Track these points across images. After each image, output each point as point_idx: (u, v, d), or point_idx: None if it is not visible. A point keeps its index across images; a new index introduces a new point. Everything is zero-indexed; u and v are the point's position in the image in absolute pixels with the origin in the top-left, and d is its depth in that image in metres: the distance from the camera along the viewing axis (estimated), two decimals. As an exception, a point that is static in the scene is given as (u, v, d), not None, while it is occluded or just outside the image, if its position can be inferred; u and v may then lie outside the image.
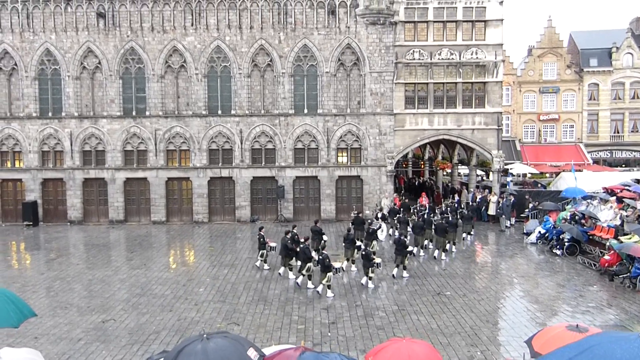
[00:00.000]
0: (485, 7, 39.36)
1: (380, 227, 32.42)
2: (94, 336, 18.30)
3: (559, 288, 23.57)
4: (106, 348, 17.31)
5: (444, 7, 39.28)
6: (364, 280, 23.78)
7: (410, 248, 26.62)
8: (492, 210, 38.16)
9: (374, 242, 28.78)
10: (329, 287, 22.43)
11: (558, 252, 29.15)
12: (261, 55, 39.88)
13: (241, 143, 40.11)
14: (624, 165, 58.01)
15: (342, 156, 40.61)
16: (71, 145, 40.20)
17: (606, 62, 58.60)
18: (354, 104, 40.19)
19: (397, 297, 22.16)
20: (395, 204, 37.24)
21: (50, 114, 40.28)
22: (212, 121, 40.17)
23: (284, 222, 39.11)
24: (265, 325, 19.11)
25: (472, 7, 39.33)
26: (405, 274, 25.15)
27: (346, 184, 40.92)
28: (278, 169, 40.40)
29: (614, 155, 59.58)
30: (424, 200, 39.54)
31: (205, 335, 8.85)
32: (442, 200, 42.47)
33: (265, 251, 26.68)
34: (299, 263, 24.41)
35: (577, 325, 10.81)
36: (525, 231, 34.06)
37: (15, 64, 40.02)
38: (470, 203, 39.36)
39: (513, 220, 37.63)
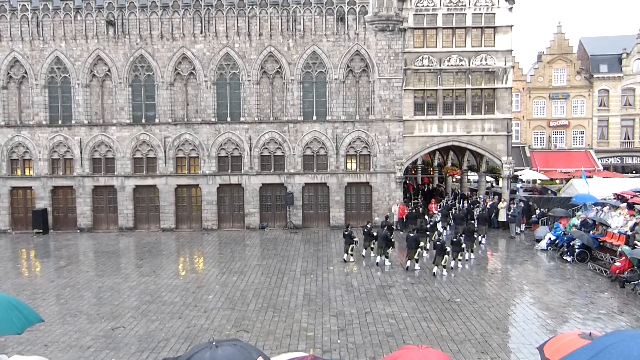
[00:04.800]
0: (494, 14, 39.27)
1: (439, 219, 35.86)
2: (103, 344, 18.31)
3: (570, 295, 23.43)
4: (116, 355, 17.32)
5: (453, 14, 39.22)
6: (452, 263, 27.51)
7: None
8: (502, 217, 38.04)
9: (435, 233, 31.56)
10: (444, 267, 26.54)
11: (568, 258, 28.99)
12: (270, 62, 39.93)
13: (250, 150, 40.13)
14: (634, 172, 57.68)
15: (351, 163, 40.55)
16: (81, 153, 40.36)
17: (616, 68, 58.38)
18: (363, 110, 40.15)
19: (407, 303, 22.07)
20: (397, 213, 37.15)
21: (60, 122, 40.47)
22: (221, 128, 40.23)
23: (293, 229, 39.09)
24: (275, 333, 19.06)
25: (482, 14, 39.25)
26: (472, 255, 29.74)
27: (355, 190, 40.84)
28: (287, 175, 40.38)
29: (624, 162, 59.24)
30: (433, 207, 39.50)
31: (214, 343, 8.82)
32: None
33: (353, 245, 29.54)
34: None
35: (590, 333, 10.67)
36: (535, 238, 33.89)
37: (25, 72, 40.24)
38: (481, 203, 39.72)
39: (523, 226, 37.50)
